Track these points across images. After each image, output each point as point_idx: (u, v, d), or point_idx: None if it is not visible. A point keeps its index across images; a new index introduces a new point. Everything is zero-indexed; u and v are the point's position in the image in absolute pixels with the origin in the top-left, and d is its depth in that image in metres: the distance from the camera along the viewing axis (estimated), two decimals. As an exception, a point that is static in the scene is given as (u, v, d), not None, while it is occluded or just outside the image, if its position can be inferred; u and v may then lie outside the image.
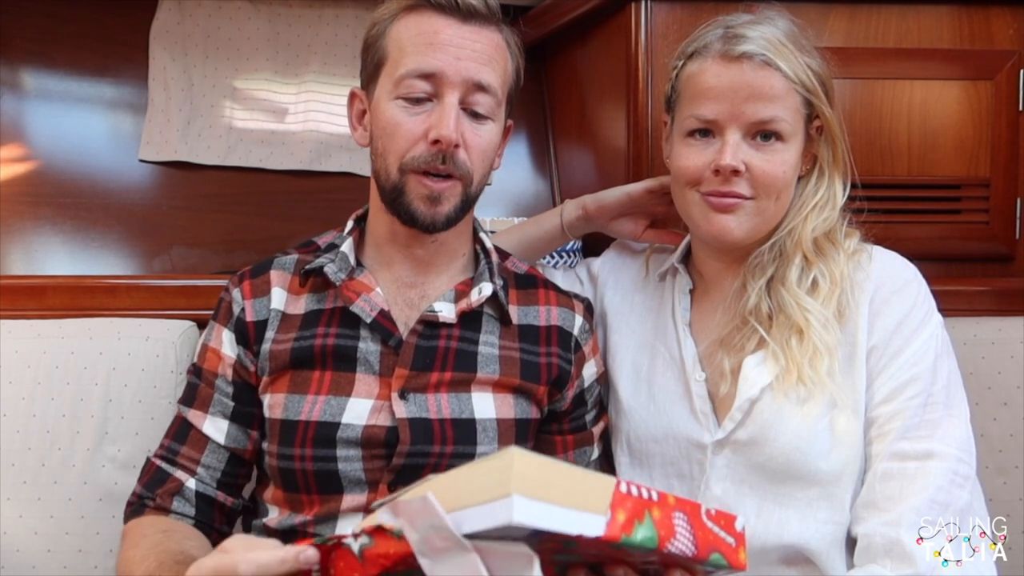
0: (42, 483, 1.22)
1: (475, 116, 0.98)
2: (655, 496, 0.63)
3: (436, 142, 0.95)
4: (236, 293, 1.05)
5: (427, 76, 0.96)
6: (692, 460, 1.03)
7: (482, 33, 0.98)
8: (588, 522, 0.58)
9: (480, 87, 0.97)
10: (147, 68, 1.65)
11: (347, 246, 1.04)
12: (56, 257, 1.60)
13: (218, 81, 1.68)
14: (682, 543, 0.63)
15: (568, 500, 0.57)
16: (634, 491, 0.61)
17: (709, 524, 0.66)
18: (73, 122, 1.64)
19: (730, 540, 0.67)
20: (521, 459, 0.56)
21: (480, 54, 0.97)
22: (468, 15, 0.97)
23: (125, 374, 1.25)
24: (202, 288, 1.34)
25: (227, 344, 1.03)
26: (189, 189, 1.66)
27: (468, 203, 1.01)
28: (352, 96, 1.07)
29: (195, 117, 1.66)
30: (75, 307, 1.32)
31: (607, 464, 1.13)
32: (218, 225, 1.66)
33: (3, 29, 1.60)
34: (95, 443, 1.23)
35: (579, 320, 1.09)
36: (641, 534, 0.60)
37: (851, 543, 0.96)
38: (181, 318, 1.32)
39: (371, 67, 1.02)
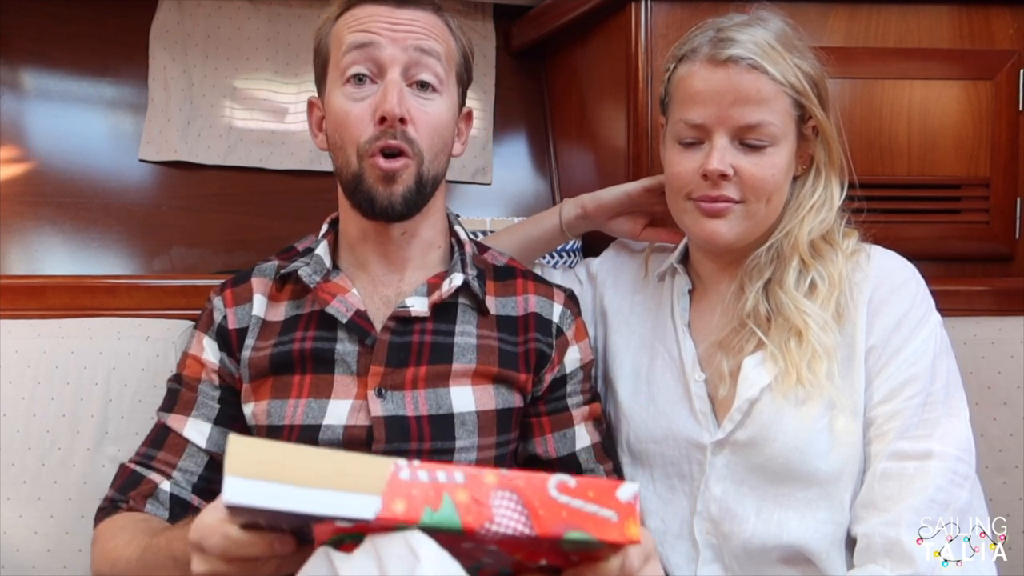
0: (42, 483, 1.22)
1: (422, 88, 0.98)
2: (461, 478, 0.60)
3: (383, 120, 0.95)
4: (218, 301, 1.05)
5: (364, 47, 0.96)
6: (692, 460, 1.03)
7: (417, 14, 0.99)
8: (355, 503, 0.58)
9: (421, 51, 0.97)
10: (147, 68, 1.65)
11: (321, 248, 1.04)
12: (56, 257, 1.60)
13: (218, 81, 1.68)
14: (507, 523, 0.60)
15: (325, 482, 0.58)
16: (423, 476, 0.59)
17: (564, 499, 0.61)
18: (73, 122, 1.64)
19: (607, 514, 0.61)
20: (236, 442, 0.58)
21: (418, 27, 0.98)
22: (402, 1, 0.98)
23: (125, 374, 1.25)
24: (202, 288, 1.34)
25: (208, 351, 1.03)
26: (189, 189, 1.66)
27: (424, 184, 0.99)
28: (310, 106, 1.08)
29: (195, 117, 1.66)
30: (75, 307, 1.33)
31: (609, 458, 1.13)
32: (218, 225, 1.66)
33: (3, 29, 1.60)
34: (95, 443, 1.23)
35: (558, 308, 1.08)
36: (435, 518, 0.59)
37: (851, 543, 0.96)
38: (181, 318, 1.32)
39: (319, 69, 1.04)
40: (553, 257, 1.45)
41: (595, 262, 1.27)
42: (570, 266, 1.40)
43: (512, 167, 1.76)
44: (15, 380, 1.24)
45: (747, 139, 0.98)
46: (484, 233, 1.34)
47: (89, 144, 1.64)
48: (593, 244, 1.44)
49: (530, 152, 1.79)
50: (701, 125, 0.99)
